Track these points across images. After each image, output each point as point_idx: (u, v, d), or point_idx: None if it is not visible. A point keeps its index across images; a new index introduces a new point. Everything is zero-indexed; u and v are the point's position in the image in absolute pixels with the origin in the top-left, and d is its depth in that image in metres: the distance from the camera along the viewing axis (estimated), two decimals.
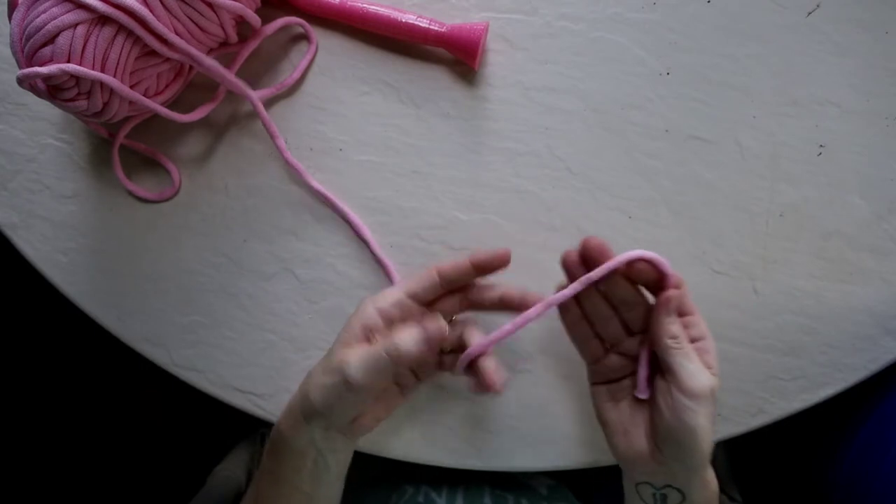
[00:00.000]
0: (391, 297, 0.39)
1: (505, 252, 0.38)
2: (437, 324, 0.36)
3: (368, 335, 0.37)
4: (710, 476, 0.38)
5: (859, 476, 0.49)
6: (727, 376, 0.44)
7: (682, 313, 0.37)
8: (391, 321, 0.38)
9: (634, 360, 0.39)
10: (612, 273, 0.36)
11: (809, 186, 0.45)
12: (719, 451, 0.65)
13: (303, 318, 0.46)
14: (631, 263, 0.36)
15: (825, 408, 0.44)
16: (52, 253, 0.46)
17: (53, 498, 0.92)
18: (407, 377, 0.41)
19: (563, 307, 0.39)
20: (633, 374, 0.39)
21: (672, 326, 0.36)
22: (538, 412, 0.45)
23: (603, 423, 0.40)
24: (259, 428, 0.69)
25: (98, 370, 0.94)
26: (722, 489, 0.62)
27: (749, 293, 0.45)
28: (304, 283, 0.46)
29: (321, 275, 0.46)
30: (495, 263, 0.38)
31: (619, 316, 0.39)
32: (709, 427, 0.35)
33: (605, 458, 0.44)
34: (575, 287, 0.36)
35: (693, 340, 0.37)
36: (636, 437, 0.38)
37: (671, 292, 0.36)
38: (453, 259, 0.39)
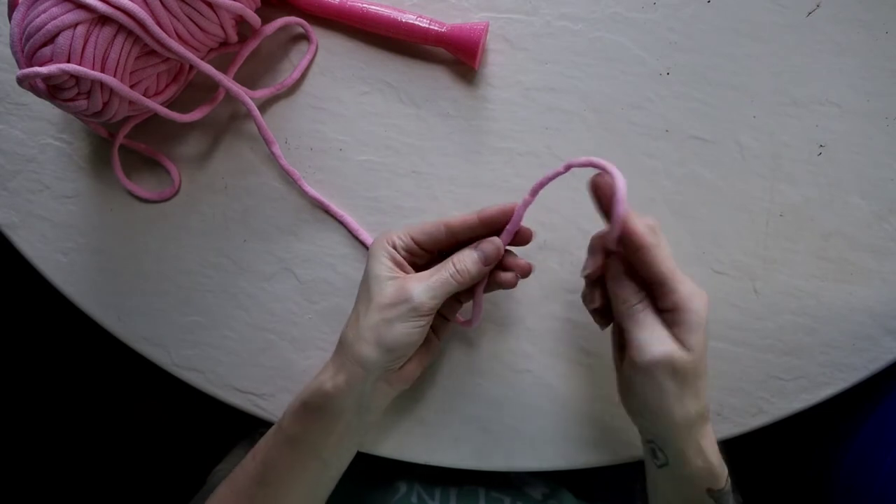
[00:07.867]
0: (402, 242, 0.39)
1: (512, 206, 0.38)
2: (494, 244, 0.38)
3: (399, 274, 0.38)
4: (693, 453, 0.35)
5: (859, 476, 0.49)
6: (727, 376, 0.44)
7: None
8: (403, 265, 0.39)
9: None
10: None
11: (809, 186, 0.45)
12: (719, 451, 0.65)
13: (303, 318, 0.46)
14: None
15: (825, 408, 0.44)
16: (52, 253, 0.46)
17: (53, 498, 0.92)
18: (452, 305, 0.42)
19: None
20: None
21: (624, 290, 0.35)
22: (538, 412, 0.45)
23: (617, 379, 0.39)
24: (259, 428, 0.69)
25: (98, 370, 0.94)
26: None
27: (749, 293, 0.45)
28: (304, 283, 0.46)
29: (321, 275, 0.46)
30: (504, 218, 0.38)
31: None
32: (670, 397, 0.33)
33: (605, 458, 0.44)
34: (535, 188, 0.37)
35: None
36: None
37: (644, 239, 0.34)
38: (462, 213, 0.39)
